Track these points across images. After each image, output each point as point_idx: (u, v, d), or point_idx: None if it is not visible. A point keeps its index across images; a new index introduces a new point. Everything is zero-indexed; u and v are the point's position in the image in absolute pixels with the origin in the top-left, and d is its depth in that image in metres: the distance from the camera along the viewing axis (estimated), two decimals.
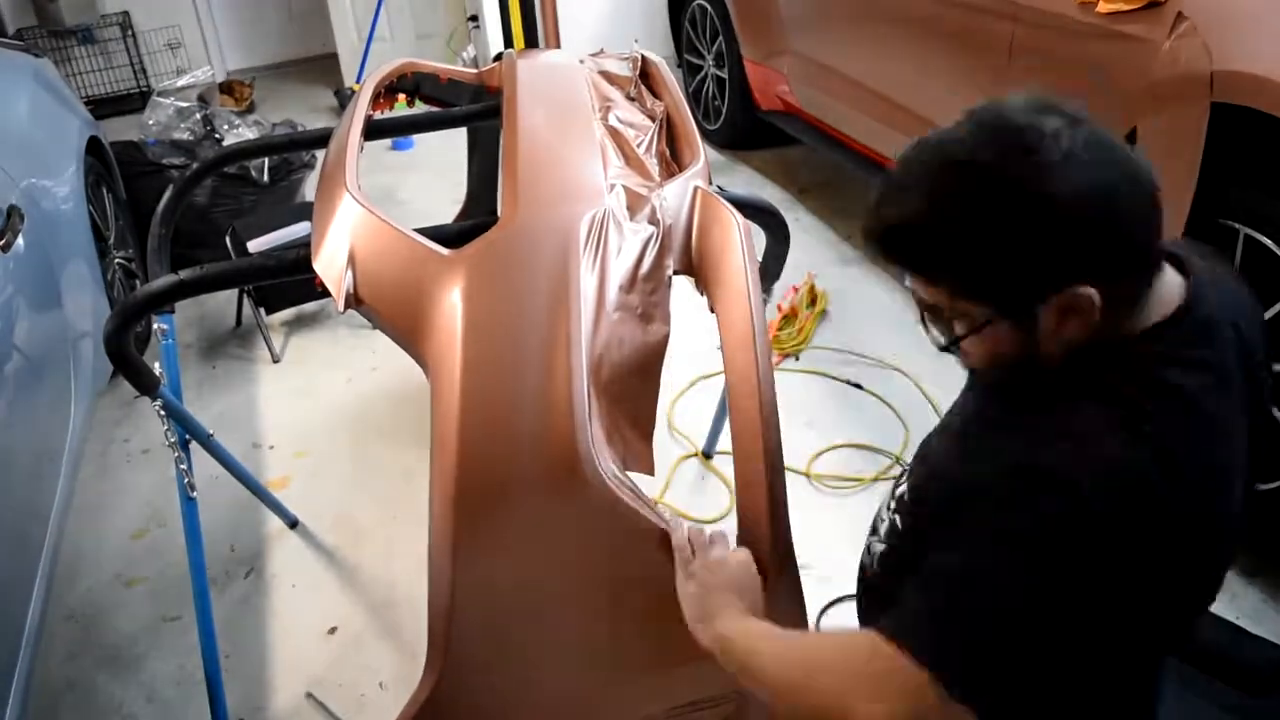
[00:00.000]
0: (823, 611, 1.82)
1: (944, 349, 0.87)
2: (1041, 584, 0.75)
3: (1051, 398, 0.81)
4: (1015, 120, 0.79)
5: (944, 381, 2.42)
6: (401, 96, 2.03)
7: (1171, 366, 0.79)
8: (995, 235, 0.76)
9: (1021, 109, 0.80)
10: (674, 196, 1.32)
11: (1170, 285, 0.82)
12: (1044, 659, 0.77)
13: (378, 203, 1.33)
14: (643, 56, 1.84)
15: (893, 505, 1.01)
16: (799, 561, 1.10)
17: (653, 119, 1.62)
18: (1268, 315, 1.71)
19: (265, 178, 3.50)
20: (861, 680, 0.78)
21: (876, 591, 1.02)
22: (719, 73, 3.97)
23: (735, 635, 0.92)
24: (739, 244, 1.22)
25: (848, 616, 1.79)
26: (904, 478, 1.01)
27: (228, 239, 3.07)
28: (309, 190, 3.63)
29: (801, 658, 0.86)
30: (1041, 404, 0.81)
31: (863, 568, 1.07)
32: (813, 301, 2.89)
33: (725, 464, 2.31)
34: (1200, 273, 0.85)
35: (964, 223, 0.77)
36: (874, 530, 1.06)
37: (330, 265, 1.28)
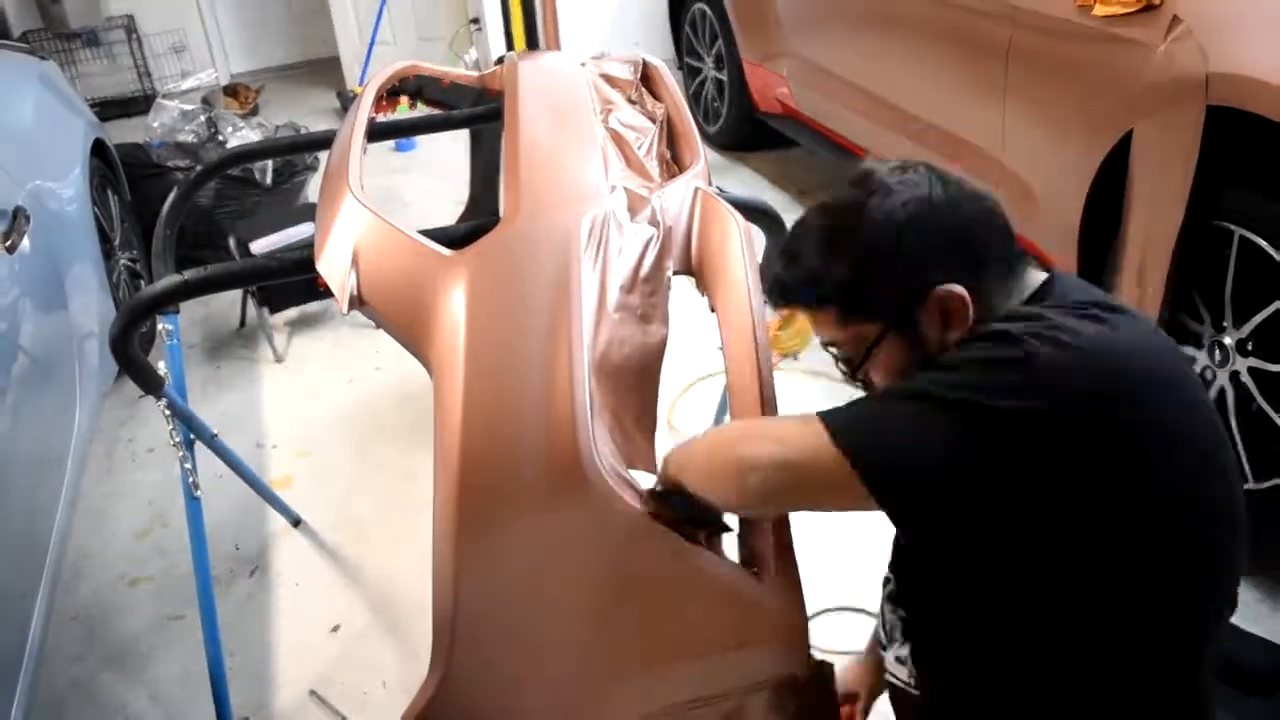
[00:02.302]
0: (820, 613, 1.83)
1: (854, 379, 0.97)
2: (967, 422, 0.78)
3: None
4: (866, 167, 0.93)
5: None
6: (404, 99, 2.04)
7: (1061, 313, 0.84)
8: (862, 255, 0.89)
9: (876, 166, 0.94)
10: (674, 198, 1.33)
11: (1034, 278, 0.93)
12: (960, 508, 0.81)
13: (380, 204, 1.34)
14: (643, 59, 1.85)
15: (889, 608, 1.05)
16: (799, 561, 1.11)
17: (653, 121, 1.63)
18: (1263, 316, 1.72)
19: (269, 180, 3.52)
20: (769, 429, 0.92)
21: (920, 700, 1.02)
22: (719, 75, 3.99)
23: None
24: (739, 245, 1.23)
25: (847, 619, 1.80)
26: (887, 584, 1.06)
27: (231, 240, 3.09)
28: (312, 192, 3.65)
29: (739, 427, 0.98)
30: None
31: (893, 687, 1.07)
32: None
33: None
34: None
35: (835, 251, 0.91)
36: (887, 643, 1.07)
37: (333, 266, 1.29)
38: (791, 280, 0.95)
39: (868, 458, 0.81)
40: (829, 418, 0.84)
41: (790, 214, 1.21)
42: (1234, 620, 1.68)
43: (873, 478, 0.80)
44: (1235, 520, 0.90)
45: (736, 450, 0.91)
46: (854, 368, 0.95)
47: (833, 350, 0.97)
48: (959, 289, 0.87)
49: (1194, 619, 0.88)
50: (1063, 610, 0.85)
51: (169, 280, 1.39)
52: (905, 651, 1.02)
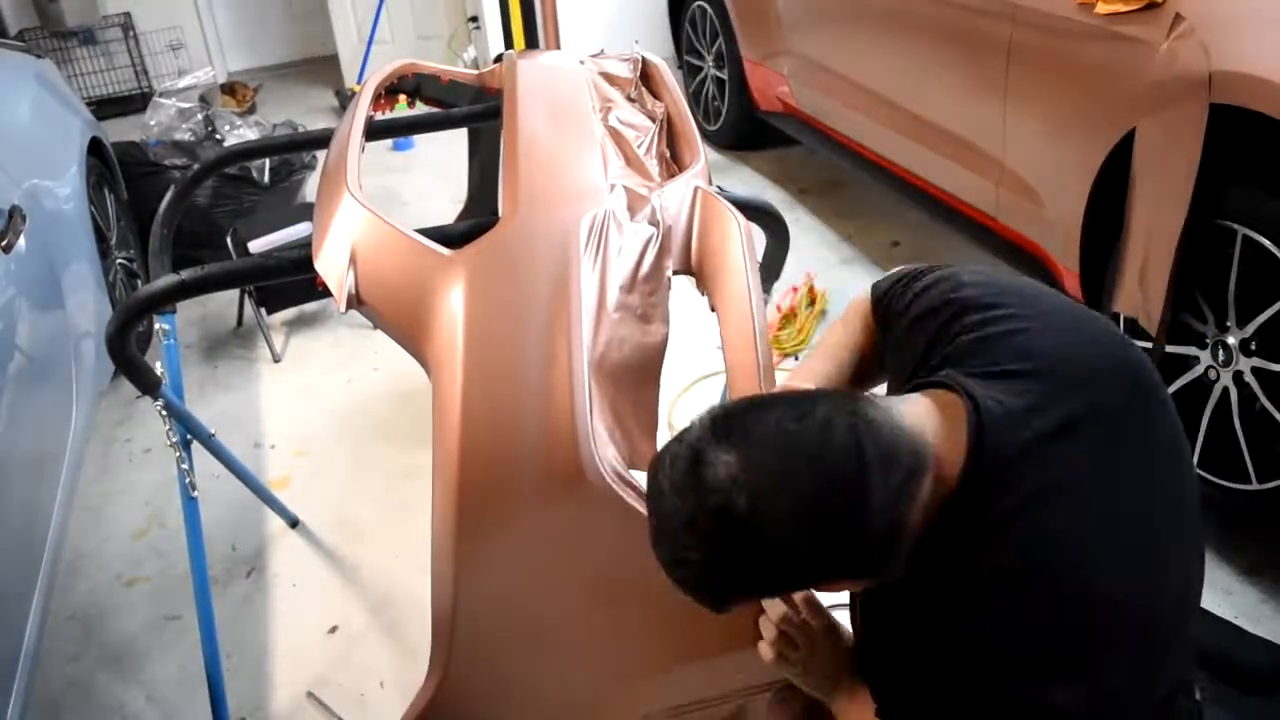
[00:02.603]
0: None
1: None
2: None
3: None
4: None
5: None
6: (402, 97, 2.04)
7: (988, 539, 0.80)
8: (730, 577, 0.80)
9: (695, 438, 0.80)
10: (674, 197, 1.32)
11: (948, 464, 0.81)
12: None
13: (379, 203, 1.33)
14: (643, 58, 1.84)
15: None
16: None
17: (653, 120, 1.62)
18: (1267, 315, 1.71)
19: (266, 178, 3.51)
20: None
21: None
22: (719, 74, 3.98)
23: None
24: (739, 244, 1.22)
25: (845, 620, 1.79)
26: None
27: (229, 239, 3.08)
28: (310, 191, 3.64)
29: None
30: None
31: None
32: (812, 301, 2.89)
33: None
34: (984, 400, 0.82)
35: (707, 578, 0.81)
36: None
37: (331, 265, 1.28)
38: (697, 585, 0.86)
39: None
40: None
41: (790, 213, 1.21)
42: (1234, 620, 1.68)
43: None
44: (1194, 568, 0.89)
45: None
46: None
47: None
48: (851, 584, 0.86)
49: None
50: None
51: (166, 280, 1.38)
52: None
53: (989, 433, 0.80)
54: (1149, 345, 1.86)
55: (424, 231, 1.29)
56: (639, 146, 1.50)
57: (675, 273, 1.27)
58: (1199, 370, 1.86)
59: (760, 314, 1.15)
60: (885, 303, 1.04)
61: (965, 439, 0.81)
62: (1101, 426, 0.83)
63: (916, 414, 0.82)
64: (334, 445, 2.57)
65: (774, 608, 1.00)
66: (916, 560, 0.81)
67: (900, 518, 0.77)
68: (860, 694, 0.95)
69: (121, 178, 3.17)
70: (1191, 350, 1.87)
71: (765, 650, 1.00)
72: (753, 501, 0.74)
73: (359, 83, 4.94)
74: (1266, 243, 1.66)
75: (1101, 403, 0.84)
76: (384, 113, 1.93)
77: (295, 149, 3.20)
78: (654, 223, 1.27)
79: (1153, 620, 0.82)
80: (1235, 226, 1.72)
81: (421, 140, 4.58)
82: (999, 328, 0.89)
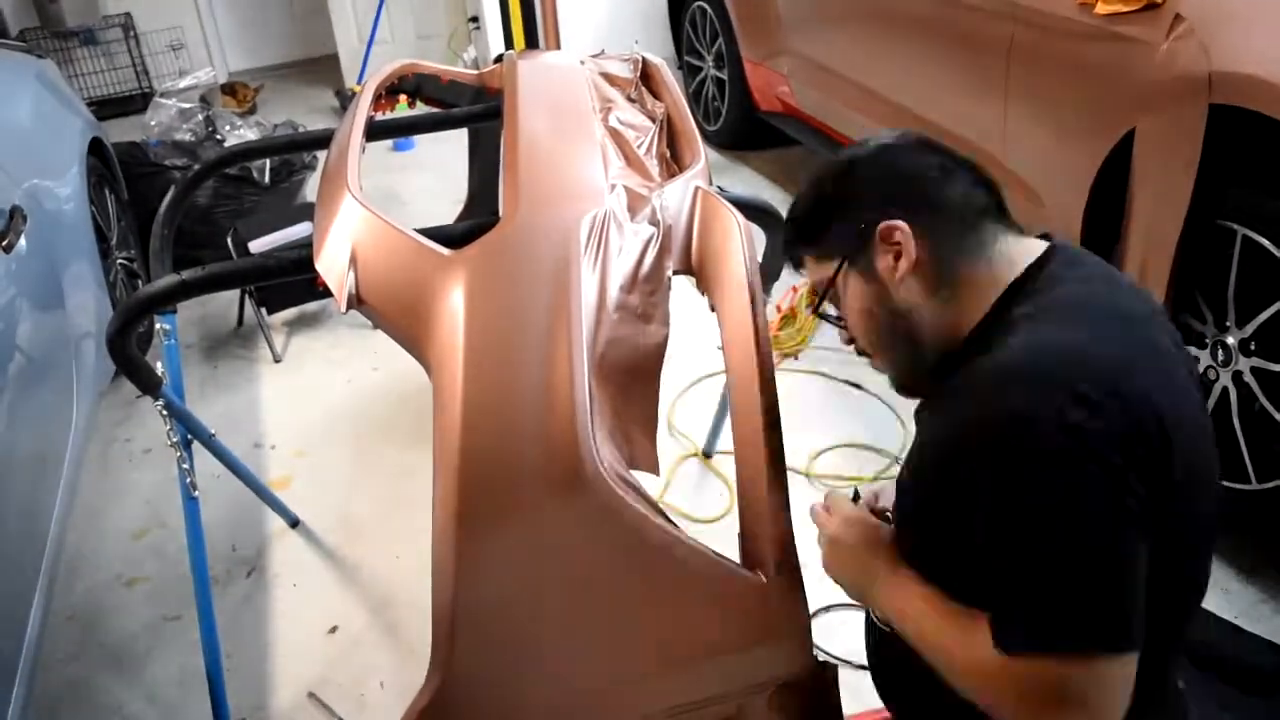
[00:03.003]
0: (821, 611, 1.83)
1: (823, 316, 1.05)
2: (1082, 505, 0.77)
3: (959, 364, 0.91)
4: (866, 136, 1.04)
5: None
6: (402, 97, 2.04)
7: (1027, 302, 0.89)
8: (818, 197, 1.01)
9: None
10: (674, 197, 1.32)
11: (1024, 247, 0.94)
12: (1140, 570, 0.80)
13: (379, 203, 1.33)
14: (643, 58, 1.84)
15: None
16: (800, 561, 1.11)
17: (653, 120, 1.62)
18: (1266, 315, 1.71)
19: (267, 179, 3.51)
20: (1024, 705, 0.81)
21: (889, 634, 1.04)
22: (719, 74, 3.98)
23: (890, 609, 0.98)
24: (739, 244, 1.22)
25: (845, 621, 1.80)
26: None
27: (229, 240, 3.08)
28: (310, 191, 3.64)
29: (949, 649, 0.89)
30: (954, 374, 0.90)
31: (870, 614, 1.09)
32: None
33: (726, 463, 2.32)
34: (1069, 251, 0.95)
35: (807, 198, 1.03)
36: None
37: (332, 265, 1.28)
38: (785, 232, 1.06)
39: (1100, 634, 0.79)
40: (1028, 642, 0.80)
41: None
42: (1234, 619, 1.68)
43: (1109, 643, 0.79)
44: (1213, 527, 0.92)
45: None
46: (822, 296, 1.03)
47: (812, 294, 1.06)
48: (900, 224, 0.93)
49: (1170, 615, 0.90)
50: None
51: (166, 280, 1.38)
52: None
53: (1061, 247, 0.95)
54: None
55: (424, 231, 1.29)
56: (639, 146, 1.50)
57: (675, 273, 1.27)
58: (1198, 370, 1.86)
59: (760, 314, 1.15)
60: None
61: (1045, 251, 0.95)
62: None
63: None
64: (334, 445, 2.57)
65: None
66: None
67: (985, 223, 0.94)
68: (905, 570, 0.96)
69: (122, 178, 3.17)
70: (1191, 350, 1.87)
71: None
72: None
73: (359, 83, 4.94)
74: (1266, 243, 1.66)
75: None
76: (384, 113, 1.93)
77: (295, 149, 3.21)
78: (654, 223, 1.27)
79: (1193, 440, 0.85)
80: (1235, 226, 1.72)
81: (421, 140, 4.58)
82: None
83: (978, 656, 0.83)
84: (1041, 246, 0.95)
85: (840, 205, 0.99)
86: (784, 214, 1.59)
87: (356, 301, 1.23)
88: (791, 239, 1.06)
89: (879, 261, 0.95)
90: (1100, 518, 0.77)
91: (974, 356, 0.88)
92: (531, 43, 4.39)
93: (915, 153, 0.97)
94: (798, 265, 1.07)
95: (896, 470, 2.22)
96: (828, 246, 1.00)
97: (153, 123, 3.69)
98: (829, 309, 1.05)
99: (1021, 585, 0.80)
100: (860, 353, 1.05)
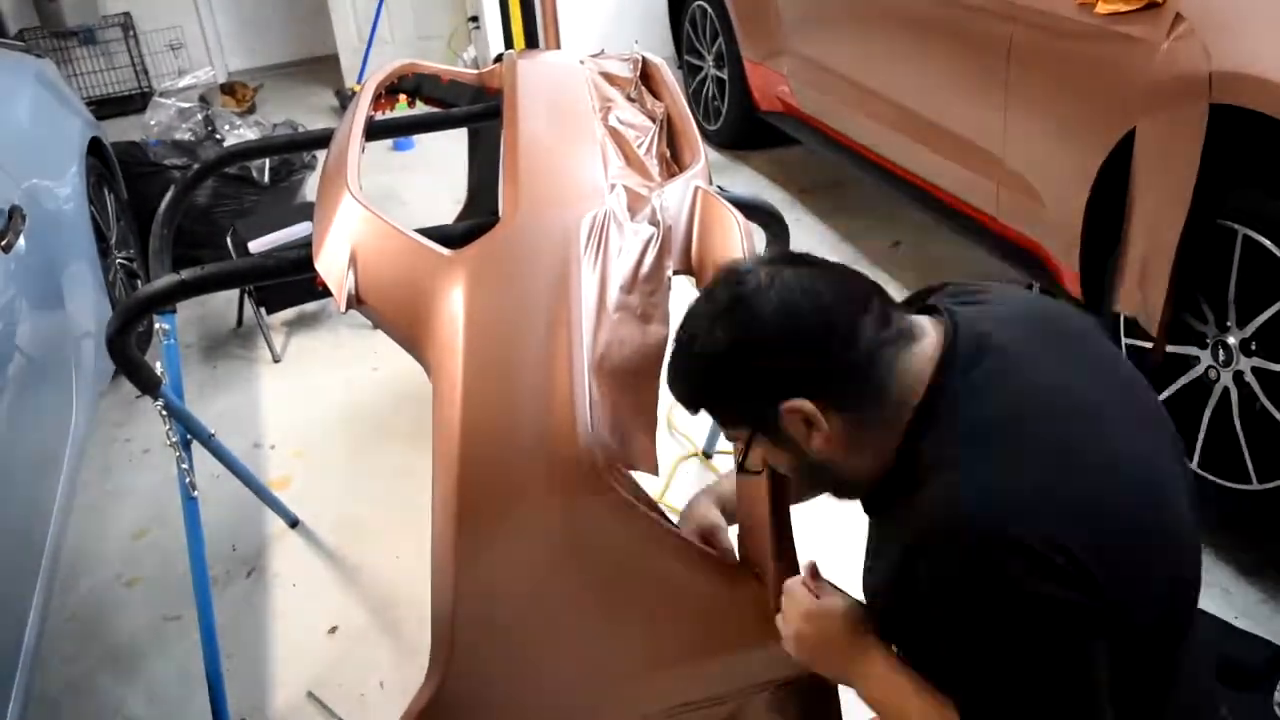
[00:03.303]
0: None
1: (742, 470, 0.99)
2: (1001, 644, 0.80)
3: (893, 492, 0.90)
4: (725, 270, 0.95)
5: None
6: (402, 97, 2.04)
7: (964, 403, 0.86)
8: (705, 376, 0.92)
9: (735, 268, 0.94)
10: (674, 197, 1.32)
11: (919, 361, 0.89)
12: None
13: (379, 203, 1.33)
14: (643, 57, 1.84)
15: None
16: (800, 561, 1.10)
17: (653, 120, 1.62)
18: (1267, 315, 1.71)
19: (266, 178, 3.51)
20: None
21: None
22: (719, 73, 3.98)
23: (866, 698, 0.97)
24: (739, 244, 1.22)
25: None
26: None
27: (229, 239, 3.08)
28: (310, 191, 3.64)
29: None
30: (890, 500, 0.91)
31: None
32: None
33: (726, 463, 2.31)
34: (971, 307, 0.94)
35: (687, 369, 0.94)
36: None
37: (332, 265, 1.28)
38: (676, 389, 0.97)
39: None
40: None
41: (791, 213, 1.21)
42: (1234, 620, 1.68)
43: None
44: (1194, 546, 0.92)
45: None
46: (740, 460, 0.97)
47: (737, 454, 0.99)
48: (803, 404, 0.87)
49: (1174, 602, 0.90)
50: None
51: (166, 280, 1.38)
52: None
53: (962, 323, 0.91)
54: (1149, 345, 1.86)
55: (424, 231, 1.29)
56: (639, 146, 1.50)
57: (675, 273, 1.27)
58: (1199, 370, 1.86)
59: None
60: None
61: (942, 342, 0.90)
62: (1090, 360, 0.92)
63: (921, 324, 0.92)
64: (334, 445, 2.57)
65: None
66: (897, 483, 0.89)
67: (879, 359, 0.88)
68: (875, 657, 0.95)
69: (121, 177, 3.17)
70: (1192, 350, 1.87)
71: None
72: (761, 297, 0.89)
73: (359, 83, 4.94)
74: (1267, 243, 1.66)
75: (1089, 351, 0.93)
76: (384, 113, 1.93)
77: (295, 149, 3.21)
78: (654, 223, 1.27)
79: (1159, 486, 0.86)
80: (1236, 226, 1.72)
81: (421, 140, 4.58)
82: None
83: None
84: (933, 343, 0.90)
85: (736, 389, 0.91)
86: (784, 217, 1.59)
87: (356, 301, 1.23)
88: (690, 403, 0.96)
89: (789, 429, 0.90)
90: (1062, 660, 0.80)
91: (908, 495, 0.87)
92: (531, 42, 4.39)
93: (793, 313, 0.87)
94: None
95: None
96: (730, 419, 0.96)
97: (152, 122, 3.69)
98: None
99: (990, 697, 0.83)
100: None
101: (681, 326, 0.94)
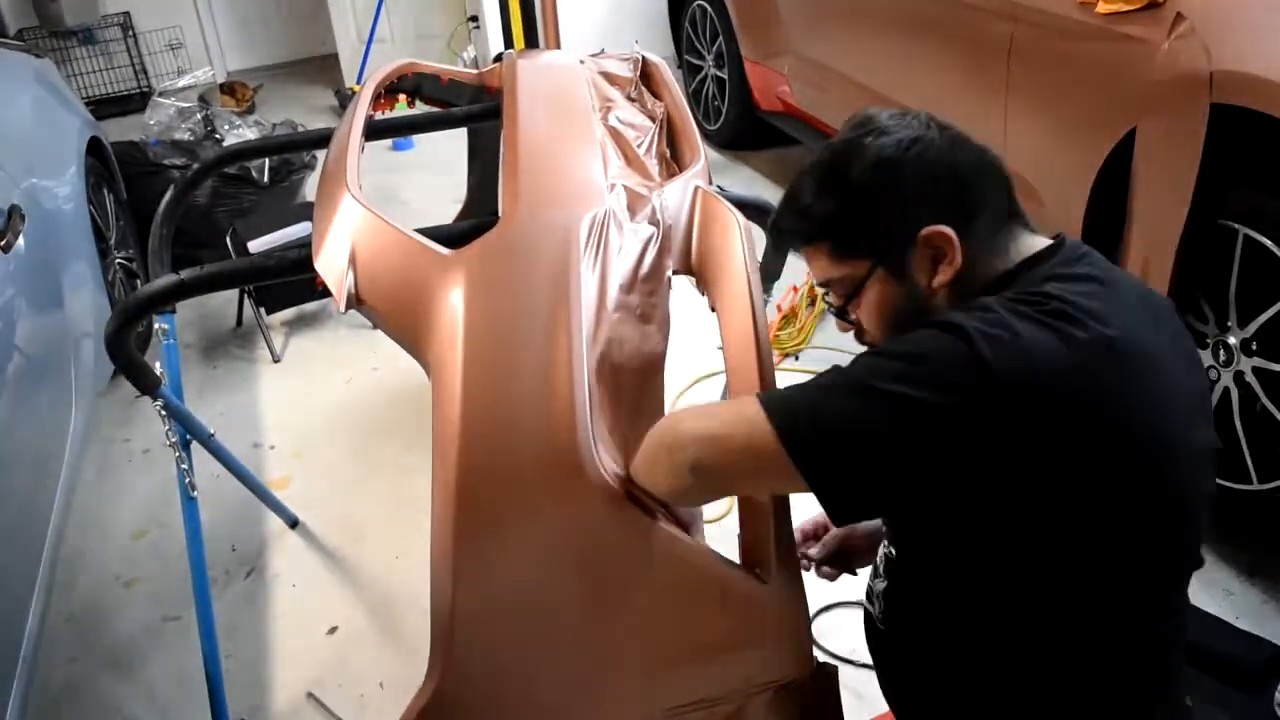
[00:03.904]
0: (821, 611, 1.83)
1: (845, 320, 0.99)
2: (915, 409, 0.78)
3: None
4: (867, 112, 0.95)
5: None
6: (402, 97, 2.03)
7: (1049, 280, 0.85)
8: (852, 192, 0.92)
9: (877, 111, 0.96)
10: (674, 197, 1.32)
11: (1036, 240, 0.92)
12: (908, 496, 0.82)
13: (378, 203, 1.33)
14: (643, 57, 1.84)
15: (886, 540, 1.04)
16: (800, 561, 1.11)
17: (653, 119, 1.62)
18: (1268, 316, 1.71)
19: (266, 178, 3.50)
20: (704, 408, 0.92)
21: (885, 634, 1.05)
22: (719, 73, 3.98)
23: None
24: (739, 244, 1.22)
25: (845, 621, 1.79)
26: None
27: (228, 239, 3.08)
28: (309, 190, 3.64)
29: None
30: None
31: (869, 615, 1.09)
32: (813, 301, 2.89)
33: None
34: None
35: (827, 189, 0.93)
36: (875, 572, 1.08)
37: (331, 265, 1.28)
38: (786, 217, 0.98)
39: (798, 434, 0.81)
40: (765, 396, 0.86)
41: None
42: (1235, 621, 1.68)
43: (800, 454, 0.81)
44: (1195, 478, 0.88)
45: (669, 431, 0.92)
46: (843, 306, 0.97)
47: (826, 295, 1.00)
48: (946, 230, 0.88)
49: (1161, 578, 0.89)
50: (1029, 577, 0.86)
51: (165, 279, 1.38)
52: (881, 587, 1.05)
53: (1069, 245, 0.92)
54: None
55: (424, 231, 1.29)
56: (639, 146, 1.49)
57: (675, 273, 1.27)
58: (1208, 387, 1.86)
59: (761, 314, 1.15)
60: None
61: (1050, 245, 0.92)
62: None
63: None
64: (334, 445, 2.57)
65: None
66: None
67: (1011, 224, 0.92)
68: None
69: (120, 177, 3.17)
70: None
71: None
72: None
73: (359, 82, 4.94)
74: (1268, 242, 1.66)
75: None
76: (384, 112, 1.92)
77: (295, 149, 3.20)
78: (654, 222, 1.27)
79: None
80: (1236, 226, 1.72)
81: (421, 140, 4.58)
82: None
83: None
84: (1043, 242, 0.93)
85: (874, 205, 0.91)
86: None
87: (356, 301, 1.23)
88: (802, 231, 0.97)
89: (914, 265, 0.90)
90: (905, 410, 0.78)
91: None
92: (531, 42, 4.38)
93: (947, 148, 0.91)
94: (777, 245, 1.02)
95: None
96: (854, 246, 0.93)
97: (151, 122, 3.69)
98: (831, 299, 1.00)
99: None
100: (858, 337, 1.01)
101: (831, 147, 0.95)
